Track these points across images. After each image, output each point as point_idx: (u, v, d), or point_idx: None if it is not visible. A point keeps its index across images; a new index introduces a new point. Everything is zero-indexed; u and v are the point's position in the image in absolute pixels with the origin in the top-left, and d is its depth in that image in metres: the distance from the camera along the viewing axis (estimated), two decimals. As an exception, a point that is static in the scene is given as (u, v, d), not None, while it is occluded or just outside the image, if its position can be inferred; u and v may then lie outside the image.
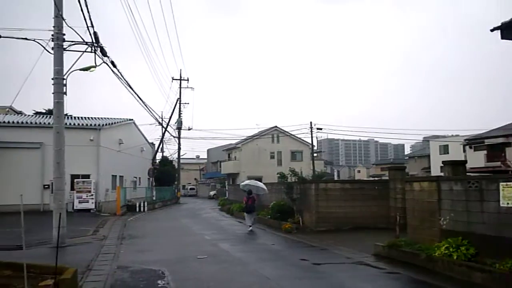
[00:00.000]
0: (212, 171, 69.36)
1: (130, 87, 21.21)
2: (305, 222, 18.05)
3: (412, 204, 11.44)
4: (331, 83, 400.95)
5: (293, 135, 53.19)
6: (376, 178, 48.69)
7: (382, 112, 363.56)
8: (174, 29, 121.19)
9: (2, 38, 13.91)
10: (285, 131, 53.94)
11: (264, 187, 21.45)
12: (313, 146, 51.25)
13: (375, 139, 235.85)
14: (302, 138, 53.75)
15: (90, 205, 27.28)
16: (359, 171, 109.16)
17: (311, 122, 48.17)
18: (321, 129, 48.58)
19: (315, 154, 56.31)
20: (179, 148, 50.28)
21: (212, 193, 60.44)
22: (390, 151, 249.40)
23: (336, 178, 63.82)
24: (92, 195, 27.47)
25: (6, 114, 31.79)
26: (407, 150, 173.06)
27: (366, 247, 12.22)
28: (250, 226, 18.55)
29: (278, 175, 21.94)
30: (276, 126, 54.72)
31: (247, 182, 22.34)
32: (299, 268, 10.15)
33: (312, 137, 48.69)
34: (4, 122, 27.47)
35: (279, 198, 21.48)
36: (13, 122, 28.36)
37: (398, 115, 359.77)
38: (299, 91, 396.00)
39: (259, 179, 45.88)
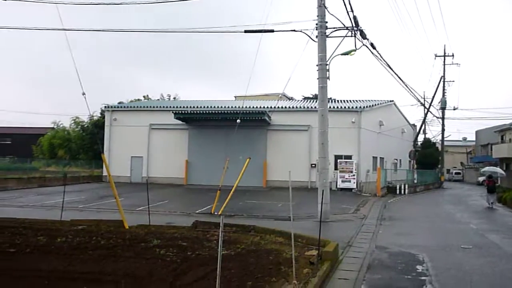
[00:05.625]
0: (482, 155, 62.94)
1: (390, 68, 21.11)
2: None
3: None
4: None
5: None
6: None
7: None
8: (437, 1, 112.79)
9: (275, 32, 15.72)
10: None
11: (502, 171, 25.83)
12: None
13: None
14: None
15: (352, 184, 28.47)
16: None
17: None
18: None
19: None
20: (443, 130, 47.54)
21: (481, 179, 54.86)
22: None
23: None
24: (353, 175, 28.60)
25: (279, 100, 35.64)
26: None
27: None
28: (491, 204, 21.91)
29: None
30: None
31: (486, 168, 27.20)
32: None
33: None
34: (277, 107, 30.94)
35: None
36: (284, 107, 31.74)
37: None
38: None
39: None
